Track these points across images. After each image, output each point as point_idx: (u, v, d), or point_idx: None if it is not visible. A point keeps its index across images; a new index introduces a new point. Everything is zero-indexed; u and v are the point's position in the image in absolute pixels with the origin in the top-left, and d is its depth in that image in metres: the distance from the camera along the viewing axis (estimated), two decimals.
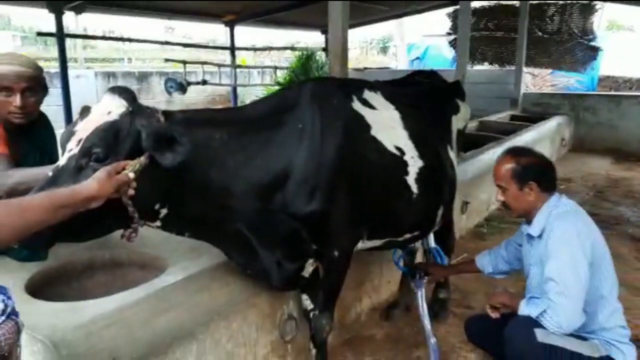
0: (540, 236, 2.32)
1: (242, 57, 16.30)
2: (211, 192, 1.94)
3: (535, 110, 9.95)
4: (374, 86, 2.64)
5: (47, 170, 1.95)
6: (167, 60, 10.73)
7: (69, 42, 7.65)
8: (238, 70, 10.97)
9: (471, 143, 5.72)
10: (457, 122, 3.13)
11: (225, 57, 17.21)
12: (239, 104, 10.84)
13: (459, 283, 3.72)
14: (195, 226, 2.01)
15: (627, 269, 4.05)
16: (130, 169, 1.61)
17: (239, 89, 11.40)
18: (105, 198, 1.52)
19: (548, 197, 2.33)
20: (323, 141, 2.12)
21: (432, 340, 2.73)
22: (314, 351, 2.52)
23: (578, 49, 11.23)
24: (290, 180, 2.07)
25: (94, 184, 1.49)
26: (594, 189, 6.74)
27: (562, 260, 2.12)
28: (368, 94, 2.51)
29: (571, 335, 2.13)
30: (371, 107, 2.46)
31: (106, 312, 1.90)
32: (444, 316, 3.31)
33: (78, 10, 6.88)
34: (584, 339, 2.19)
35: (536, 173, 2.30)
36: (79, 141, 1.65)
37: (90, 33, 11.04)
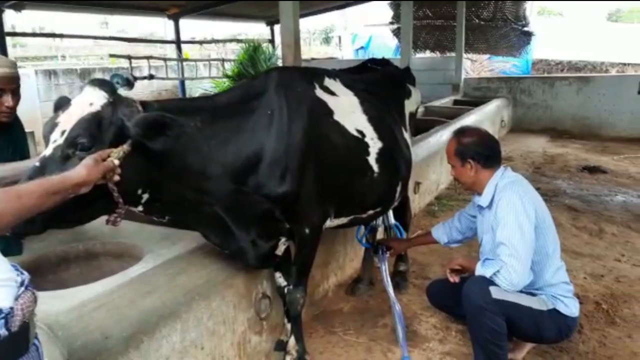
0: (489, 206, 2.57)
1: (185, 50, 16.05)
2: (188, 176, 2.04)
3: (476, 95, 10.46)
4: (333, 74, 2.80)
5: (28, 164, 2.01)
6: (112, 55, 10.45)
7: None
8: (184, 63, 10.84)
9: (419, 128, 6.00)
10: (410, 105, 3.36)
11: (165, 51, 16.86)
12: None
13: (416, 257, 3.97)
14: (175, 209, 2.10)
15: (565, 235, 4.43)
16: (114, 155, 1.70)
17: (186, 83, 11.27)
18: (93, 184, 1.60)
19: (493, 172, 2.58)
20: (291, 126, 2.26)
21: (398, 307, 2.95)
22: (288, 325, 2.68)
23: (512, 34, 11.81)
24: (262, 164, 2.20)
25: (82, 170, 1.57)
26: (532, 166, 7.22)
27: (510, 226, 2.37)
28: (328, 81, 2.68)
29: (521, 291, 2.38)
30: (332, 93, 2.62)
31: (94, 296, 1.98)
32: (405, 287, 3.54)
33: (18, 7, 6.64)
34: (533, 294, 2.46)
35: (474, 152, 2.56)
36: (63, 132, 1.72)
37: (19, 30, 10.53)
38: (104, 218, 1.91)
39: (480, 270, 2.39)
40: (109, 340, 1.83)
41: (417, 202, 5.24)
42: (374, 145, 2.69)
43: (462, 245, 3.19)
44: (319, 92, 2.54)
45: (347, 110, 2.64)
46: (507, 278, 2.29)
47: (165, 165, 1.96)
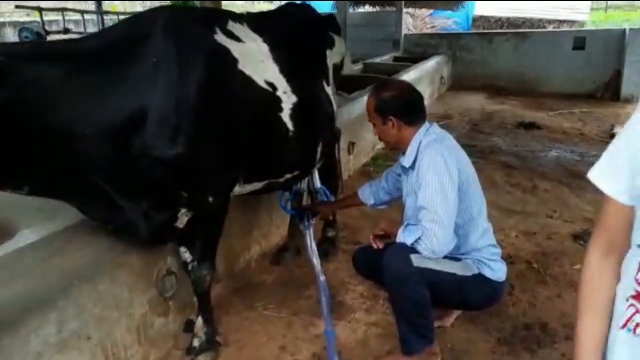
0: (412, 167, 2.32)
1: (112, 4, 14.98)
2: (49, 138, 1.67)
3: (416, 51, 10.24)
4: (239, 17, 2.43)
5: None
6: (17, 7, 9.39)
7: None
8: (107, 17, 9.97)
9: (356, 85, 5.72)
10: (333, 56, 3.02)
11: (89, 6, 15.64)
12: None
13: (346, 221, 3.75)
14: (36, 178, 1.73)
15: (499, 192, 4.34)
16: None
17: None
18: None
19: (417, 128, 2.31)
20: (182, 76, 1.91)
21: (322, 278, 2.72)
22: (197, 303, 2.39)
23: None
24: (148, 122, 1.84)
25: None
26: (470, 123, 7.12)
27: (432, 188, 2.13)
28: (233, 25, 2.30)
29: (445, 257, 2.18)
30: (237, 39, 2.26)
31: None
32: (333, 254, 3.32)
33: None
34: (458, 259, 2.26)
35: (394, 107, 2.27)
36: None
37: None
38: None
39: (402, 237, 2.16)
40: None
41: (352, 163, 5.01)
42: (288, 99, 2.38)
43: (391, 207, 2.97)
44: (220, 37, 2.17)
45: (255, 59, 2.29)
46: (428, 245, 2.07)
47: (17, 124, 1.58)
